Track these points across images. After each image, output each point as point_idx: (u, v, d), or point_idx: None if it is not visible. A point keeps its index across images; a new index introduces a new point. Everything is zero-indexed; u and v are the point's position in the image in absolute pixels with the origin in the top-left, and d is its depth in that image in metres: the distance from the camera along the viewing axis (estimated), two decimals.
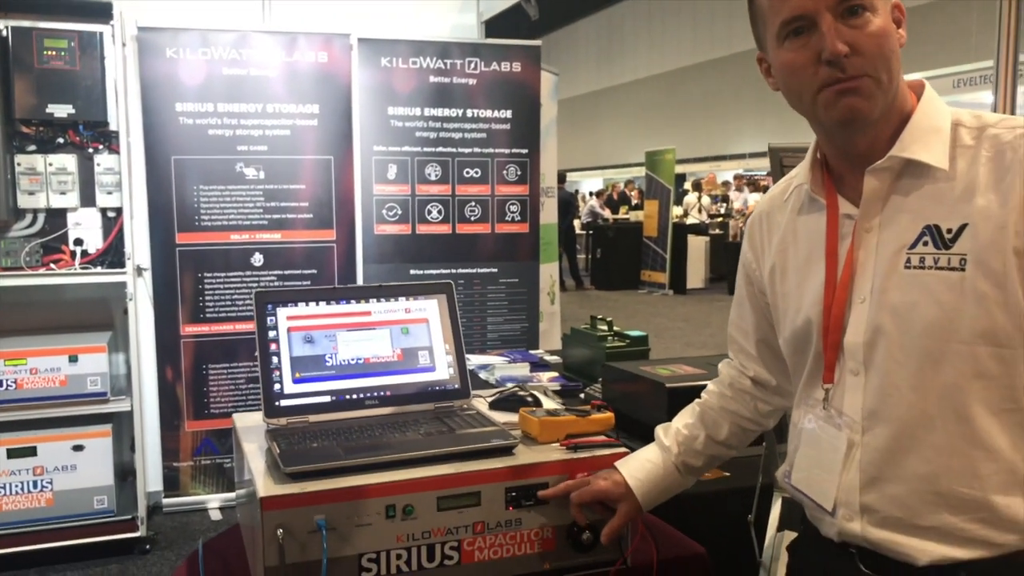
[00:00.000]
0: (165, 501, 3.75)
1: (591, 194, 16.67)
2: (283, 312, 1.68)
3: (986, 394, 1.04)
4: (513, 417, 1.69)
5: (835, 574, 1.19)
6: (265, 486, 1.36)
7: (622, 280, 13.03)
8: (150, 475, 3.67)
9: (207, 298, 3.76)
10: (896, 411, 1.09)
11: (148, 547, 3.45)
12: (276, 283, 3.79)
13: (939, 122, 1.09)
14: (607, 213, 15.11)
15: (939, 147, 1.07)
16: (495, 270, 4.20)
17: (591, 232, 14.05)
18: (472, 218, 4.11)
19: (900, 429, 1.08)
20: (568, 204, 12.49)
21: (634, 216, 15.08)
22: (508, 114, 4.10)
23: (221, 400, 3.80)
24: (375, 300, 1.75)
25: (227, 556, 1.60)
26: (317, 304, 1.71)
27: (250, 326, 3.77)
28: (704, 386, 2.27)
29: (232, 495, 3.70)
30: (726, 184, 15.84)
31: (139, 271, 3.66)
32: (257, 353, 1.64)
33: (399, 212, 4.00)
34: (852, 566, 1.16)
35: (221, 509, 3.82)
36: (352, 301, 1.74)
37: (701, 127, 19.98)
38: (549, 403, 1.79)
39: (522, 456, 1.52)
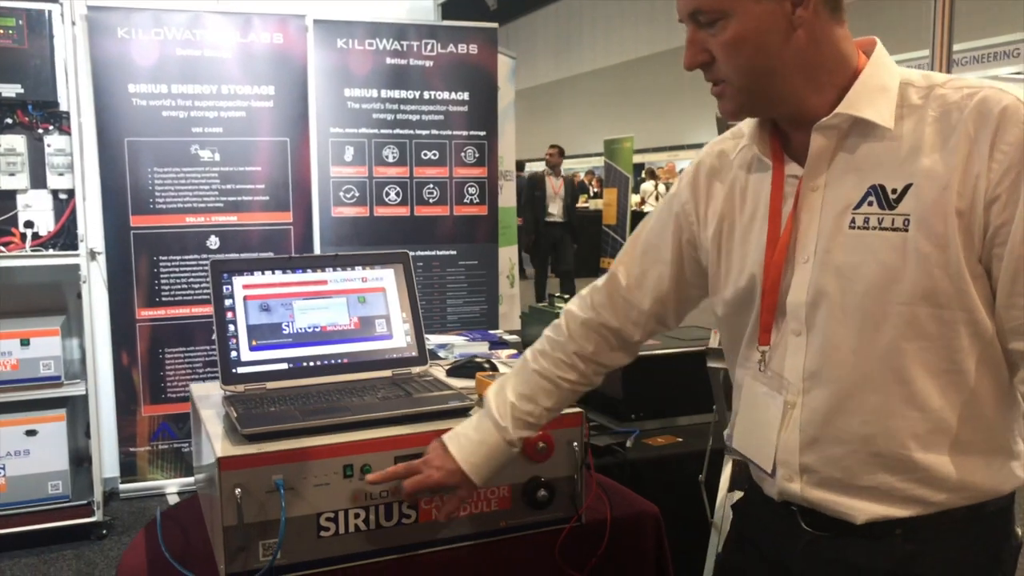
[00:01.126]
0: (122, 487, 3.71)
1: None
2: (239, 281, 1.68)
3: (925, 356, 1.04)
4: (470, 383, 1.72)
5: (778, 532, 1.21)
6: (223, 447, 1.37)
7: (582, 267, 13.08)
8: (106, 460, 3.63)
9: (163, 281, 3.72)
10: (837, 372, 1.09)
11: (105, 532, 3.41)
12: None
13: (887, 81, 1.08)
14: None
15: (886, 106, 1.06)
16: (454, 252, 4.21)
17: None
18: (430, 200, 4.12)
19: (840, 390, 1.09)
20: (538, 181, 12.48)
21: (593, 205, 15.15)
22: (465, 96, 4.11)
23: (178, 384, 3.77)
24: (331, 269, 1.76)
25: (185, 524, 1.61)
26: (273, 273, 1.72)
27: (207, 310, 3.76)
28: (663, 356, 2.33)
29: (190, 479, 3.68)
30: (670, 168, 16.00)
31: (92, 254, 3.61)
32: (213, 321, 1.65)
33: (356, 194, 3.99)
34: (794, 524, 1.17)
35: (179, 494, 3.79)
36: (308, 270, 1.75)
37: (659, 117, 20.10)
38: (506, 371, 1.82)
39: None
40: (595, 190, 16.05)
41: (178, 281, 3.74)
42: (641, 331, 1.38)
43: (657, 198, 13.93)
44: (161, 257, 3.71)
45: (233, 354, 1.63)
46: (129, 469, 3.73)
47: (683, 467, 2.07)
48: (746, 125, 1.24)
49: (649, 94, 20.57)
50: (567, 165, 23.09)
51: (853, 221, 1.07)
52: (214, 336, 1.64)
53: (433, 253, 4.15)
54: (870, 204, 1.06)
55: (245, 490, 1.33)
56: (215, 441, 1.40)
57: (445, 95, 4.08)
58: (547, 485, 1.54)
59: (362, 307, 1.75)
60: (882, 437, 1.07)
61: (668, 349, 2.32)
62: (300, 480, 1.38)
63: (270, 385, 1.63)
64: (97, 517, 3.38)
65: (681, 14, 1.09)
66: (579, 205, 15.55)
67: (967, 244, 1.00)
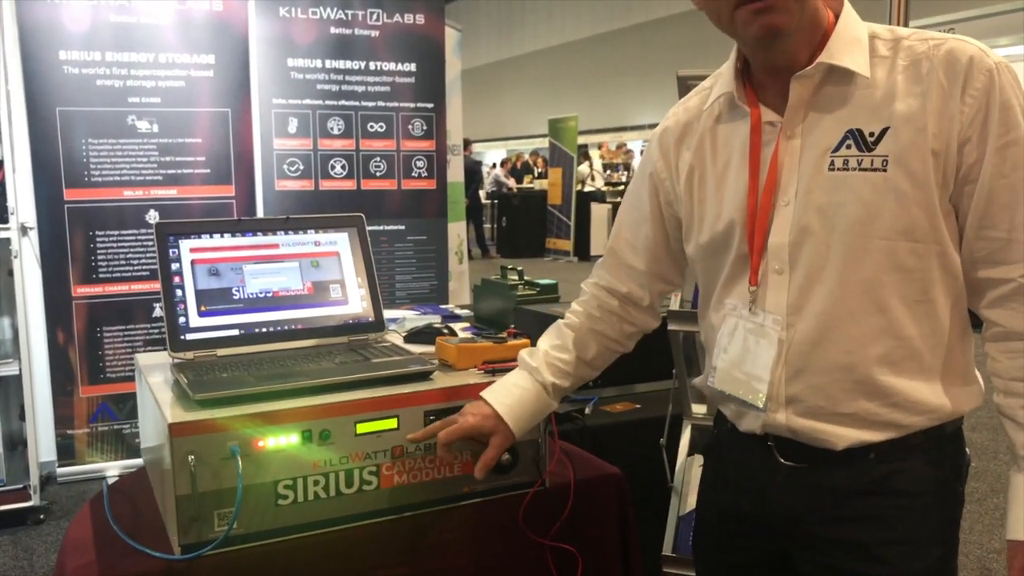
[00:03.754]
0: (60, 470, 3.58)
1: (494, 165, 16.65)
2: (186, 244, 1.61)
3: (902, 287, 1.11)
4: (429, 348, 1.68)
5: (753, 466, 1.25)
6: (173, 414, 1.31)
7: (528, 248, 13.10)
8: (42, 443, 3.49)
9: (100, 257, 3.58)
10: (820, 305, 1.14)
11: (43, 517, 3.29)
12: None
13: (859, 33, 1.14)
14: (511, 183, 15.13)
15: (861, 56, 1.12)
16: (402, 227, 4.14)
17: (496, 201, 14.05)
18: (377, 174, 4.04)
19: (823, 322, 1.14)
20: (473, 172, 12.44)
21: (539, 185, 15.15)
22: (412, 67, 4.03)
23: (118, 364, 3.64)
24: (283, 233, 1.70)
25: (134, 497, 1.54)
26: (222, 236, 1.65)
27: (147, 286, 3.63)
28: None
29: (132, 462, 3.57)
30: (621, 147, 16.10)
31: (24, 229, 3.46)
32: (160, 287, 1.57)
33: (301, 167, 3.90)
34: (769, 457, 1.22)
35: (121, 477, 3.67)
36: (259, 234, 1.68)
37: (603, 98, 20.16)
38: (465, 336, 1.78)
39: (440, 381, 1.51)
40: (540, 170, 16.04)
41: (116, 257, 3.61)
42: (647, 293, 1.41)
43: (593, 178, 13.98)
44: (98, 232, 3.57)
45: (181, 320, 1.56)
46: (67, 452, 3.60)
47: (642, 433, 2.07)
48: (717, 78, 1.27)
49: (593, 75, 20.60)
50: (512, 146, 23.11)
51: (832, 163, 1.12)
52: (157, 326, 1.57)
53: (381, 228, 4.08)
54: (848, 147, 1.11)
55: (199, 458, 1.28)
56: (165, 408, 1.33)
57: (391, 66, 4.00)
58: (511, 449, 1.50)
59: (316, 272, 1.70)
60: (862, 365, 1.13)
61: None
62: (256, 447, 1.32)
63: (221, 352, 1.57)
64: (34, 501, 3.26)
65: None
66: (523, 185, 15.58)
67: (941, 183, 1.09)
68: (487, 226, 14.28)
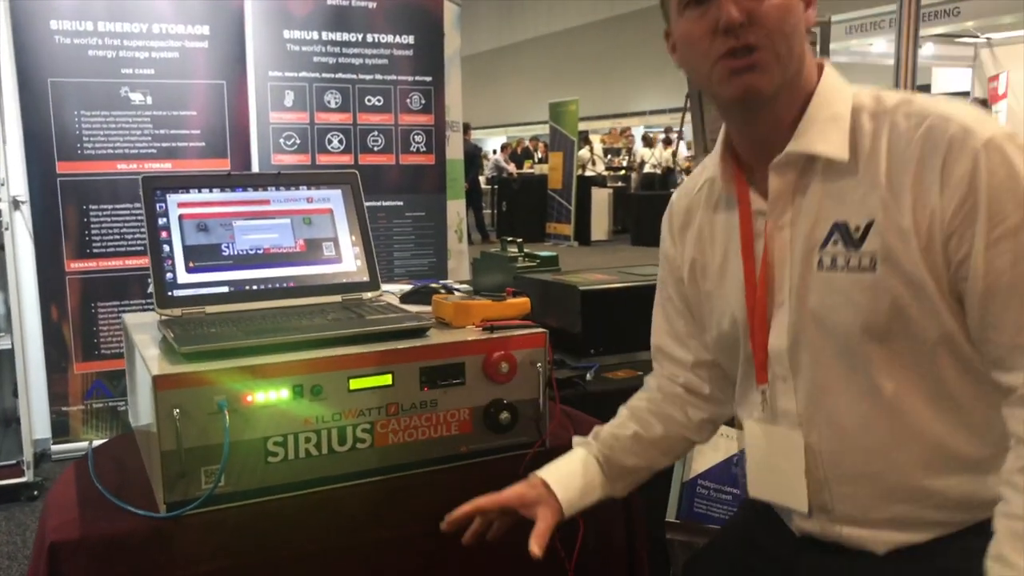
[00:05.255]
0: (54, 447, 3.53)
1: (494, 152, 16.57)
2: (173, 199, 1.56)
3: (913, 388, 1.03)
4: (426, 308, 1.63)
5: (796, 568, 1.19)
6: (159, 366, 1.26)
7: (528, 233, 12.99)
8: (36, 420, 3.45)
9: (94, 232, 3.52)
10: (830, 415, 1.08)
11: (36, 494, 3.25)
12: None
13: (838, 108, 1.05)
14: (511, 167, 15.06)
15: (838, 137, 1.03)
16: (400, 203, 4.08)
17: (496, 187, 13.98)
18: (375, 148, 3.98)
19: (836, 432, 1.08)
20: (473, 158, 12.36)
21: (539, 170, 15.07)
22: (410, 40, 3.96)
23: (112, 340, 3.60)
24: (274, 189, 1.65)
25: (120, 458, 1.50)
26: (211, 191, 1.60)
27: (142, 261, 3.58)
28: (619, 290, 2.27)
29: None
30: (626, 131, 16.02)
31: (16, 203, 3.41)
32: (146, 243, 1.52)
33: (298, 141, 3.83)
34: (814, 557, 1.16)
35: (108, 441, 3.62)
36: (249, 189, 1.63)
37: (603, 85, 20.05)
38: (461, 293, 1.73)
39: (437, 338, 1.46)
40: (540, 155, 15.97)
41: (110, 232, 3.55)
42: (705, 383, 1.31)
43: (594, 163, 13.91)
44: (91, 206, 3.51)
45: (168, 276, 1.51)
46: (61, 429, 3.56)
47: None
48: (709, 159, 1.19)
49: (593, 61, 20.49)
50: (513, 132, 23.01)
51: (821, 261, 1.05)
52: (151, 300, 1.52)
53: (379, 204, 4.02)
54: (835, 243, 1.04)
55: (184, 412, 1.23)
56: (150, 361, 1.28)
57: (389, 38, 3.94)
58: (510, 407, 1.46)
59: (308, 229, 1.64)
60: (889, 472, 1.06)
61: (626, 283, 2.25)
62: (245, 402, 1.27)
63: (210, 309, 1.52)
64: (27, 478, 3.22)
65: None
66: (523, 171, 15.51)
67: (936, 278, 0.99)
68: (487, 212, 14.22)
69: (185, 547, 1.24)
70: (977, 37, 9.28)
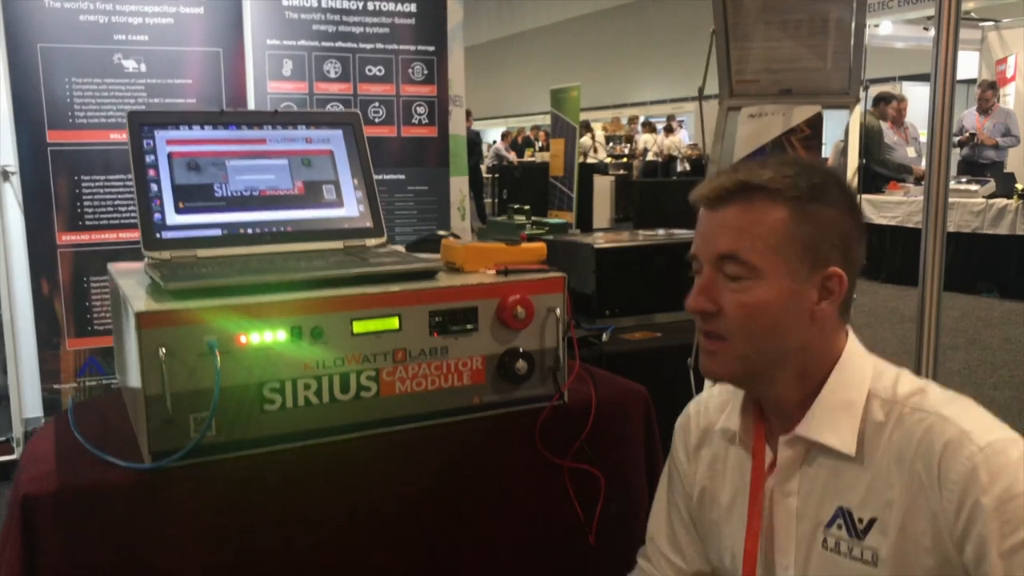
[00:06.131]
0: None
1: (494, 142, 16.46)
2: (162, 135, 1.45)
3: None
4: (435, 256, 1.51)
5: None
6: (145, 304, 1.15)
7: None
8: (28, 398, 3.33)
9: (86, 204, 3.40)
10: None
11: None
12: None
13: (852, 395, 1.01)
14: (512, 156, 14.94)
15: (847, 427, 1.00)
16: (402, 177, 3.96)
17: (497, 175, 13.86)
18: (376, 120, 3.86)
19: None
20: (474, 144, 12.23)
21: (540, 158, 14.96)
22: (412, 7, 3.84)
23: (106, 316, 3.47)
24: (270, 127, 1.53)
25: (105, 413, 1.38)
26: (203, 128, 1.48)
27: (137, 235, 3.46)
28: (636, 249, 2.16)
29: None
30: (634, 121, 15.91)
31: (5, 174, 3.29)
32: (133, 182, 1.41)
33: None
34: None
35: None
36: (243, 127, 1.52)
37: (604, 75, 19.92)
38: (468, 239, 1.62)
39: (447, 281, 1.34)
40: (541, 144, 15.85)
41: (103, 203, 3.43)
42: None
43: (596, 150, 13.77)
44: (83, 177, 3.39)
45: (157, 217, 1.40)
46: (54, 407, 3.43)
47: (663, 360, 1.91)
48: (732, 395, 1.15)
49: (593, 52, 20.37)
50: (513, 123, 22.86)
51: (825, 541, 1.03)
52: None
53: (380, 177, 3.89)
54: (839, 527, 1.01)
55: (171, 352, 1.11)
56: (135, 300, 1.17)
57: (391, 6, 3.81)
58: (526, 356, 1.35)
59: (307, 171, 1.53)
60: None
61: (643, 241, 2.14)
62: (238, 343, 1.16)
63: (201, 252, 1.40)
64: (16, 456, 3.11)
65: (703, 254, 1.03)
66: (524, 160, 15.39)
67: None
68: (488, 201, 14.10)
69: (172, 503, 1.13)
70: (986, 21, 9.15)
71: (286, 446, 1.21)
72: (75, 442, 1.22)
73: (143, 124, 1.43)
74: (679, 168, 13.91)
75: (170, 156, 1.43)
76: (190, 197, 1.43)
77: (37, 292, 3.39)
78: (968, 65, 9.84)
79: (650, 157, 14.03)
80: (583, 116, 13.65)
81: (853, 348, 1.04)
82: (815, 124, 1.94)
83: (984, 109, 7.93)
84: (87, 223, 3.41)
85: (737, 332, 1.01)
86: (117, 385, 1.51)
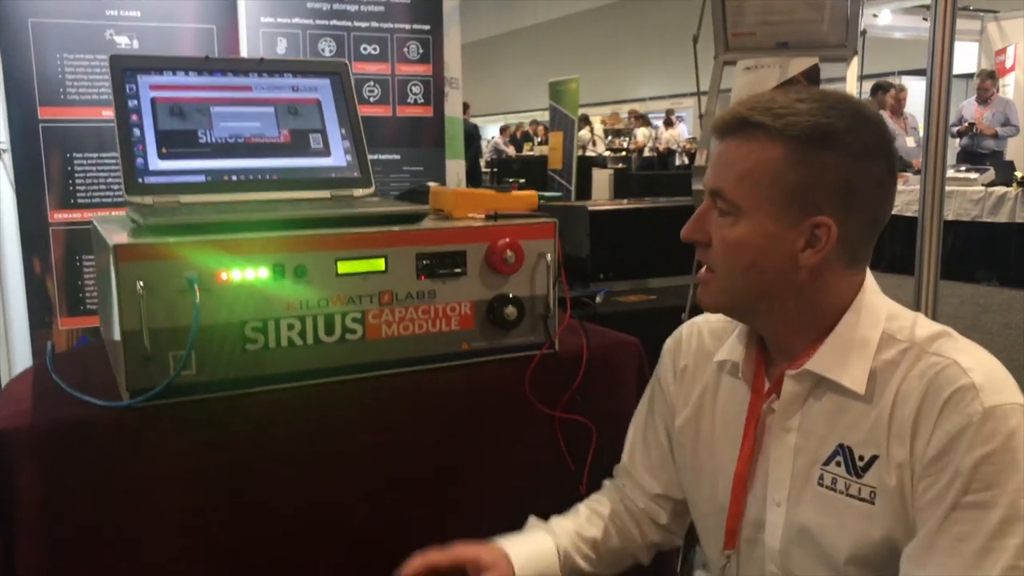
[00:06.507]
0: None
1: (493, 137, 16.43)
2: (145, 80, 1.42)
3: None
4: (424, 207, 1.49)
5: None
6: (123, 238, 1.12)
7: None
8: None
9: (78, 181, 3.37)
10: None
11: None
12: None
13: (867, 332, 1.00)
14: (511, 151, 14.92)
15: (859, 365, 0.99)
16: (397, 157, 3.93)
17: (495, 169, 13.84)
18: (371, 99, 3.83)
19: None
20: (472, 137, 12.21)
21: (539, 151, 14.94)
22: None
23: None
24: (256, 75, 1.50)
25: (86, 360, 1.36)
26: (187, 74, 1.46)
27: None
28: (630, 212, 2.14)
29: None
30: (634, 114, 15.89)
31: None
32: (115, 127, 1.38)
33: None
34: None
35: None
36: (229, 74, 1.49)
37: (602, 70, 19.88)
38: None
39: (435, 224, 1.32)
40: (540, 138, 15.83)
41: (95, 181, 3.40)
42: (665, 512, 1.25)
43: (594, 143, 13.74)
44: (75, 154, 3.36)
45: (139, 162, 1.37)
46: None
47: (657, 322, 1.87)
48: (728, 324, 1.15)
49: (591, 48, 20.32)
50: (512, 119, 22.83)
51: (822, 478, 1.02)
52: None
53: (375, 157, 3.86)
54: (838, 464, 1.01)
55: (149, 287, 1.09)
56: (113, 236, 1.14)
57: None
58: (516, 302, 1.32)
59: (293, 119, 1.50)
60: None
61: (637, 204, 2.11)
62: (219, 279, 1.13)
63: (184, 198, 1.37)
64: None
65: (706, 184, 1.02)
66: (523, 154, 15.36)
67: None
68: None
69: (151, 442, 1.11)
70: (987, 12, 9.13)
71: (269, 387, 1.18)
72: (53, 384, 1.19)
73: (125, 69, 1.41)
74: (677, 162, 13.88)
75: (153, 101, 1.41)
76: (173, 143, 1.40)
77: (29, 270, 3.36)
78: (967, 59, 9.83)
79: (646, 153, 14.01)
80: (581, 112, 13.65)
81: (869, 289, 1.03)
82: (812, 76, 1.92)
83: (983, 99, 7.91)
84: (79, 201, 3.38)
85: (720, 265, 1.01)
86: (101, 331, 1.48)
